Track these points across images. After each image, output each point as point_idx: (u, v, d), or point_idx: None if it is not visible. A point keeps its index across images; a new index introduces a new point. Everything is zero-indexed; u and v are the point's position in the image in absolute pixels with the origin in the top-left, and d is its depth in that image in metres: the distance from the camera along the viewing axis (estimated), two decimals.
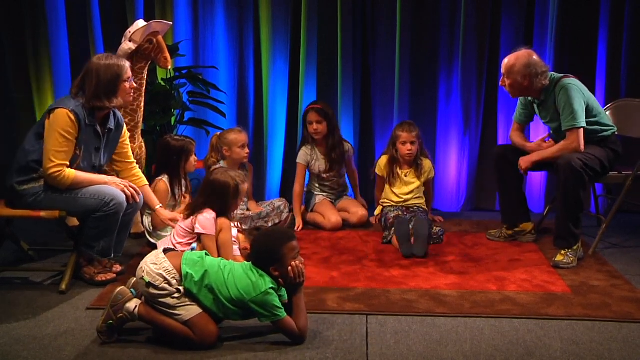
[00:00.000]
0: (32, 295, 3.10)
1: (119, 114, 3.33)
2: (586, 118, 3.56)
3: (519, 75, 3.58)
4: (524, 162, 3.67)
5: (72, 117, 3.04)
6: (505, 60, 3.65)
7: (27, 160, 3.10)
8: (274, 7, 4.62)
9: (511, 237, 3.97)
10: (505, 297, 3.07)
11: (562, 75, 3.66)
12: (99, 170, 3.27)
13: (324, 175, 4.41)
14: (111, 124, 3.24)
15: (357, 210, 4.33)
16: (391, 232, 3.88)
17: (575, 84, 3.59)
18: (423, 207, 4.18)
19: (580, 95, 3.56)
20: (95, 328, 2.62)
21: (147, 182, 3.46)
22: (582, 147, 3.53)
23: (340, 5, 4.56)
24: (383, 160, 4.24)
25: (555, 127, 3.72)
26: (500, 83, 3.72)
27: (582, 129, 3.52)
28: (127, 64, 3.20)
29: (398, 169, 4.18)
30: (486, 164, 4.70)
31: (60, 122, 3.03)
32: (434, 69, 4.67)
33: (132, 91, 3.26)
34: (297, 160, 4.39)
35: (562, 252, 3.53)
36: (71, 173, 3.08)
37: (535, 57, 3.62)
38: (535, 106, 3.81)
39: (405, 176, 4.17)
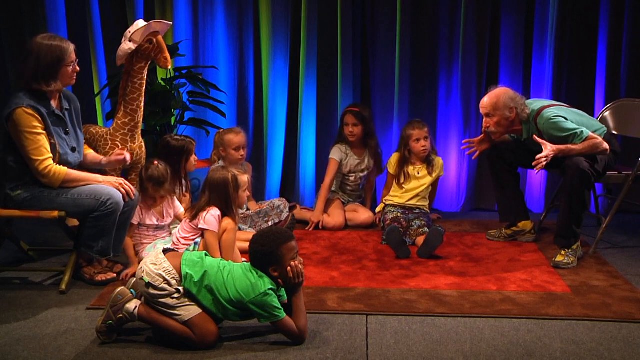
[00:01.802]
0: (32, 295, 3.10)
1: (68, 91, 3.28)
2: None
3: (506, 109, 3.62)
4: (552, 150, 3.45)
5: (30, 111, 2.99)
6: (485, 101, 3.68)
7: (11, 169, 3.09)
8: (274, 7, 4.62)
9: (511, 237, 3.97)
10: (505, 297, 3.07)
11: (537, 109, 3.64)
12: (80, 152, 3.25)
13: (352, 176, 4.42)
14: (66, 105, 3.21)
15: (364, 212, 4.35)
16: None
17: (551, 112, 3.57)
18: (425, 209, 4.18)
19: (562, 118, 3.55)
20: (95, 328, 2.62)
21: (90, 150, 3.44)
22: (603, 140, 3.51)
23: (340, 5, 4.55)
24: (395, 159, 4.24)
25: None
26: (484, 125, 3.73)
27: (590, 133, 3.51)
28: (72, 46, 3.10)
29: (410, 167, 4.18)
30: (486, 164, 4.69)
31: (22, 122, 2.98)
32: (434, 69, 4.67)
33: (75, 74, 3.16)
34: (331, 156, 4.37)
35: (563, 252, 3.53)
36: (62, 170, 3.07)
37: (510, 91, 3.67)
38: (524, 143, 3.83)
39: (418, 173, 4.17)
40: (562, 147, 3.48)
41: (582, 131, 3.48)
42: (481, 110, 3.72)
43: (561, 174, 3.59)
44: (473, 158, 4.02)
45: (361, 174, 4.44)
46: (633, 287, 3.21)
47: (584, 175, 3.43)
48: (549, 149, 3.45)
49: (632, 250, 3.84)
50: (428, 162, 4.18)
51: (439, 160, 4.24)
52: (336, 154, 4.36)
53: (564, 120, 3.54)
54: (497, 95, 3.64)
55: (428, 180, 4.17)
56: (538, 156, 3.44)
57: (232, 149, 4.07)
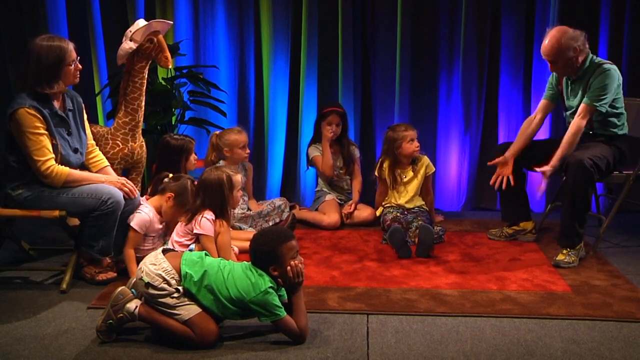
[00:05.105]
0: (32, 295, 3.10)
1: (71, 91, 3.28)
2: (613, 109, 3.59)
3: (570, 50, 3.51)
4: (548, 170, 3.48)
5: (33, 112, 2.98)
6: (547, 46, 3.54)
7: (13, 168, 3.09)
8: (274, 7, 4.62)
9: (512, 236, 3.97)
10: (506, 296, 3.07)
11: (604, 60, 3.63)
12: (82, 152, 3.24)
13: (334, 174, 4.44)
14: (69, 105, 3.20)
15: (364, 209, 4.35)
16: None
17: (616, 73, 3.56)
18: (423, 207, 4.17)
19: (616, 86, 3.54)
20: (95, 327, 2.62)
21: (108, 164, 3.44)
22: (584, 123, 3.51)
23: (340, 5, 4.56)
24: (386, 164, 4.22)
25: (577, 106, 3.65)
26: (550, 70, 3.66)
27: (595, 112, 3.50)
28: (72, 45, 3.11)
29: (399, 172, 4.18)
30: (487, 163, 4.69)
31: (25, 122, 2.98)
32: (435, 69, 4.67)
33: (78, 73, 3.16)
34: (312, 156, 4.43)
35: (564, 251, 3.53)
36: (64, 170, 3.07)
37: (569, 30, 3.56)
38: (566, 84, 3.75)
39: (405, 177, 4.17)
40: (555, 161, 3.47)
41: (601, 104, 3.48)
42: (544, 57, 3.60)
43: (564, 171, 3.55)
44: (504, 187, 3.75)
45: (342, 171, 4.47)
46: (634, 287, 3.20)
47: (587, 174, 3.41)
48: (548, 168, 3.46)
49: (632, 250, 3.84)
50: (414, 163, 4.19)
51: (424, 158, 4.22)
52: (315, 152, 4.43)
53: (613, 89, 3.51)
54: (557, 39, 3.50)
55: (417, 181, 4.17)
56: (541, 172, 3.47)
57: (239, 148, 4.09)
